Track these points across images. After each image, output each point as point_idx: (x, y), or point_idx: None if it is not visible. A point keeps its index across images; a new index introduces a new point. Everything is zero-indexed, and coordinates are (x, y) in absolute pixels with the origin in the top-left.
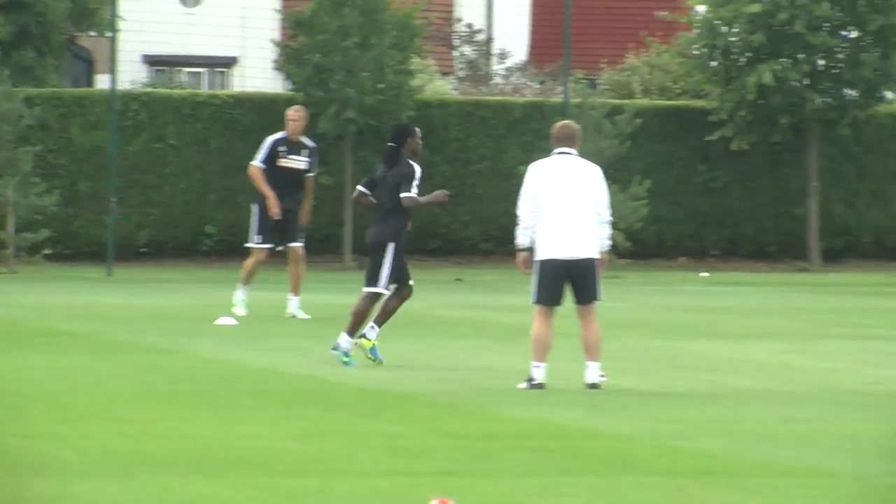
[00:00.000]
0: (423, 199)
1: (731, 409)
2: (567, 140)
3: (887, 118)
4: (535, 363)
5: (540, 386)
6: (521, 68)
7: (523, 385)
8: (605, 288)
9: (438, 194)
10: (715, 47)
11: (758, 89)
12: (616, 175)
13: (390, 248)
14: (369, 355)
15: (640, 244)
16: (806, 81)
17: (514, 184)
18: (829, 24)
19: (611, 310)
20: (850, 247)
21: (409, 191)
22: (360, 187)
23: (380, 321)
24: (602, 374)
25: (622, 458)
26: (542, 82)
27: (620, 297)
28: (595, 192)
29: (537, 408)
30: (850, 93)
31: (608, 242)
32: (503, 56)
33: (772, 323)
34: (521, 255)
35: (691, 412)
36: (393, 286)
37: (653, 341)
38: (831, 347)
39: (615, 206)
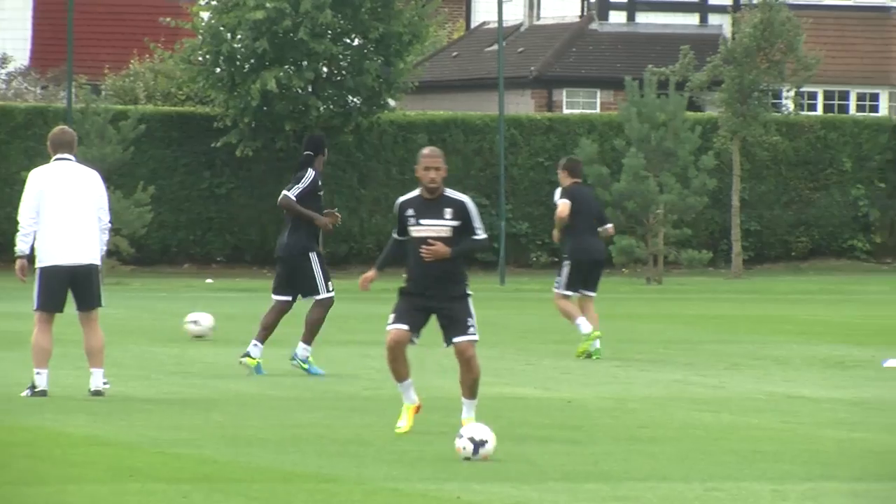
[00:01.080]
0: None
1: (235, 415)
2: (65, 146)
3: (390, 125)
4: (38, 370)
5: (43, 393)
6: (23, 73)
7: (26, 393)
8: (108, 294)
9: (322, 220)
10: (219, 53)
11: (262, 96)
12: (120, 181)
13: (313, 257)
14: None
15: (144, 250)
16: (310, 88)
17: (16, 190)
18: (332, 32)
19: (114, 316)
20: (354, 253)
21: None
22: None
23: (263, 337)
24: (106, 381)
25: (126, 466)
26: (44, 87)
27: (124, 303)
28: (96, 198)
29: (40, 415)
30: (354, 100)
31: (105, 248)
32: (4, 60)
33: (282, 330)
34: (19, 262)
35: (195, 419)
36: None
37: (157, 348)
38: (334, 353)
39: (119, 213)
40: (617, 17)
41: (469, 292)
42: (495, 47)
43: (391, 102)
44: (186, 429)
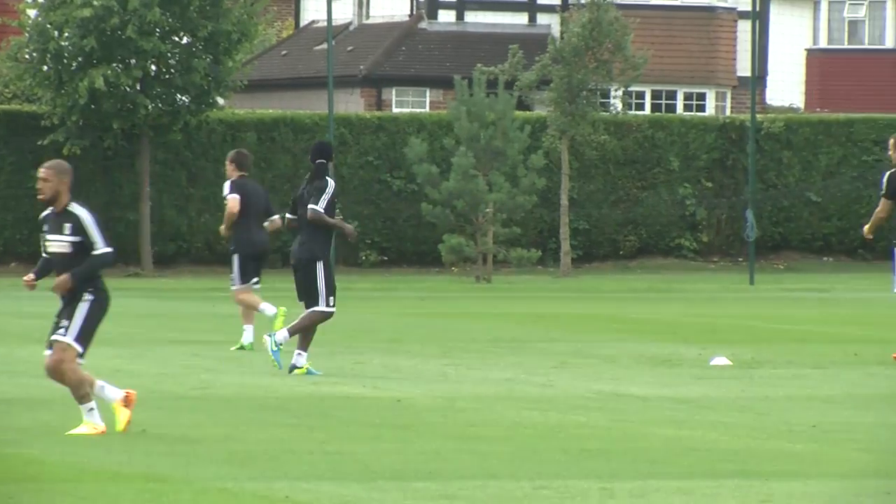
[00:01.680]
0: (330, 219)
1: (63, 415)
2: None
3: (219, 124)
4: None
5: None
6: None
7: None
8: None
9: (349, 228)
10: (46, 51)
11: (89, 94)
12: None
13: (319, 266)
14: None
15: None
16: (138, 87)
17: None
18: (160, 30)
19: None
20: (182, 252)
21: (316, 203)
22: (287, 215)
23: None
24: None
25: None
26: None
27: None
28: None
29: None
30: (182, 98)
31: None
32: None
33: (103, 328)
34: None
35: (22, 419)
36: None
37: None
38: (163, 352)
39: None
40: (446, 17)
41: (90, 297)
42: (324, 46)
43: (220, 101)
44: (13, 429)
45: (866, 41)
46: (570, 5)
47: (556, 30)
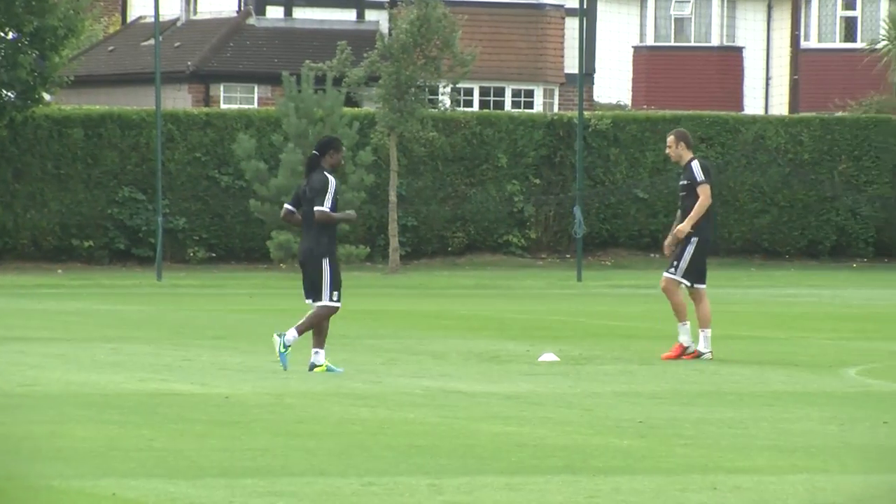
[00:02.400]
0: (337, 214)
1: None
2: None
3: (45, 120)
4: None
5: None
6: None
7: None
8: None
9: (350, 213)
10: None
11: None
12: None
13: (325, 263)
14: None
15: None
16: None
17: None
18: None
19: None
20: (9, 248)
21: (322, 204)
22: (286, 206)
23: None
24: None
25: None
26: None
27: None
28: None
29: None
30: (8, 94)
31: None
32: None
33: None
34: None
35: None
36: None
37: None
38: None
39: None
40: (274, 13)
41: None
42: (152, 42)
43: (46, 97)
44: None
45: (693, 38)
46: (399, 2)
47: (384, 26)
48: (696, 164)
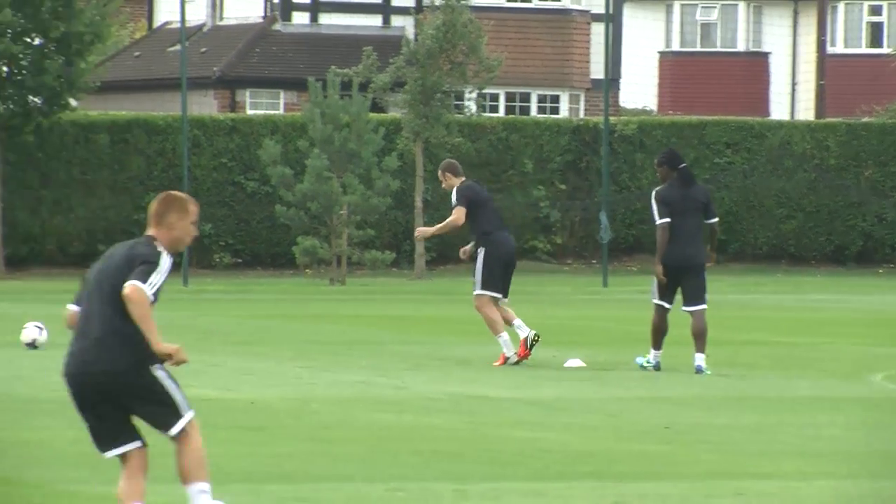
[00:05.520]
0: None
1: None
2: None
3: (71, 126)
4: None
5: None
6: None
7: None
8: None
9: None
10: None
11: None
12: None
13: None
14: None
15: None
16: None
17: None
18: (12, 31)
19: None
20: (35, 254)
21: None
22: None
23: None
24: None
25: None
26: None
27: None
28: None
29: None
30: (34, 100)
31: None
32: None
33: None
34: None
35: None
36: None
37: None
38: (11, 354)
39: None
40: (300, 18)
41: None
42: (178, 47)
43: (73, 102)
44: None
45: (718, 44)
46: (425, 7)
47: (410, 32)
48: (456, 189)
